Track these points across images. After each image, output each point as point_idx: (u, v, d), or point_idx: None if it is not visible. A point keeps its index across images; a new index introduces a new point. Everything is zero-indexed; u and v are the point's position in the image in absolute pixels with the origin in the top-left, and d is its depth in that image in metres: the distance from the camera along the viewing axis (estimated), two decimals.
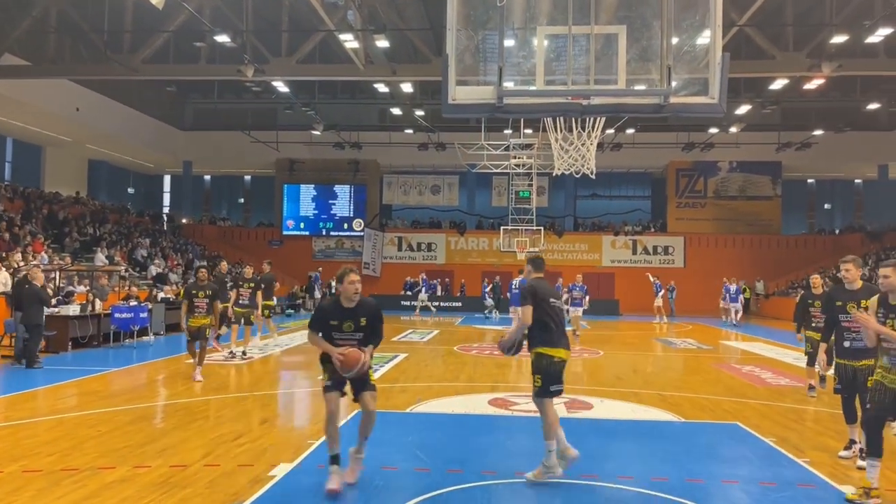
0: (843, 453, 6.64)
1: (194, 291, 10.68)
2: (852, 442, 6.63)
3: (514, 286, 16.90)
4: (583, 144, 8.57)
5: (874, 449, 5.37)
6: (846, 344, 6.35)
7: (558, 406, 9.14)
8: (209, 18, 20.97)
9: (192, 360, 10.82)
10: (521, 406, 9.08)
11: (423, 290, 28.95)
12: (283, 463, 6.13)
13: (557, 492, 5.65)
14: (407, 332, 20.05)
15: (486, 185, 37.54)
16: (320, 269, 30.34)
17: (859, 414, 6.34)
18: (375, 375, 11.24)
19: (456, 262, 36.50)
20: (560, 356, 5.82)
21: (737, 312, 25.09)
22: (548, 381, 5.79)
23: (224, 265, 16.10)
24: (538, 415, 7.73)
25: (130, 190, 38.86)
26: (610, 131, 30.24)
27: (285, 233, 37.11)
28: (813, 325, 8.94)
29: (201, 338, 10.63)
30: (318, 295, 28.83)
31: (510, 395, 9.89)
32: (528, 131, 27.29)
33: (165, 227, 34.23)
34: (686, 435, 7.84)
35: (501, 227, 30.41)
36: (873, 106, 31.36)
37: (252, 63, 20.62)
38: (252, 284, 13.36)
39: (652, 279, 26.27)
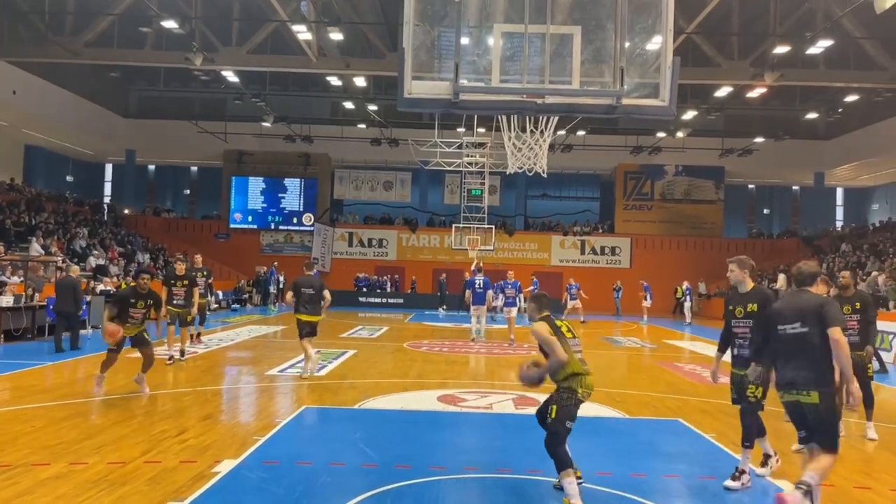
0: (760, 470, 6.05)
1: (133, 300, 8.92)
2: (767, 456, 6.09)
3: (477, 285, 16.94)
4: (536, 143, 8.67)
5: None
6: (735, 351, 5.94)
7: (505, 402, 9.23)
8: (156, 3, 20.36)
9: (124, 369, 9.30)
10: (470, 402, 9.13)
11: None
12: (227, 459, 6.00)
13: (504, 486, 5.70)
14: (357, 329, 19.93)
15: (438, 183, 37.57)
16: (276, 263, 29.79)
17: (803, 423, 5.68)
18: (321, 372, 11.22)
19: (407, 258, 36.43)
20: (300, 317, 10.48)
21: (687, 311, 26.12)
22: (299, 329, 10.51)
23: (199, 258, 15.20)
24: (488, 411, 8.76)
25: (69, 178, 37.42)
26: (561, 133, 30.66)
27: (232, 226, 36.39)
28: None
29: (141, 344, 8.99)
30: (273, 290, 28.18)
31: (459, 391, 9.92)
32: (482, 130, 27.43)
33: (106, 218, 33.11)
34: (630, 431, 8.00)
35: (453, 225, 30.50)
36: (812, 115, 32.67)
37: (201, 51, 20.15)
38: (186, 281, 12.30)
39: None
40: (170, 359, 11.67)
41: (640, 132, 34.86)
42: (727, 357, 6.15)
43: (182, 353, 12.07)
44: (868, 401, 7.58)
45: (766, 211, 42.23)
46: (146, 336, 9.11)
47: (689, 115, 29.64)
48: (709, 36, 22.65)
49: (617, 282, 30.52)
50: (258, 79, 32.42)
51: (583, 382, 5.47)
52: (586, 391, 5.47)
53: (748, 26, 24.47)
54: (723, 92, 25.93)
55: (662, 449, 7.15)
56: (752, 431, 5.79)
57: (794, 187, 40.77)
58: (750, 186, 41.44)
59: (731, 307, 5.92)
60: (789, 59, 21.80)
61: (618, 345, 18.12)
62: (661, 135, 34.00)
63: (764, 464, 6.09)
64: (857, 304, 7.70)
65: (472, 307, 17.25)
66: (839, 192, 40.95)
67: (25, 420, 7.24)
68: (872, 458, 7.02)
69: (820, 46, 20.13)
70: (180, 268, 12.48)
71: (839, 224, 38.95)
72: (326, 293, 10.63)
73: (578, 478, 5.28)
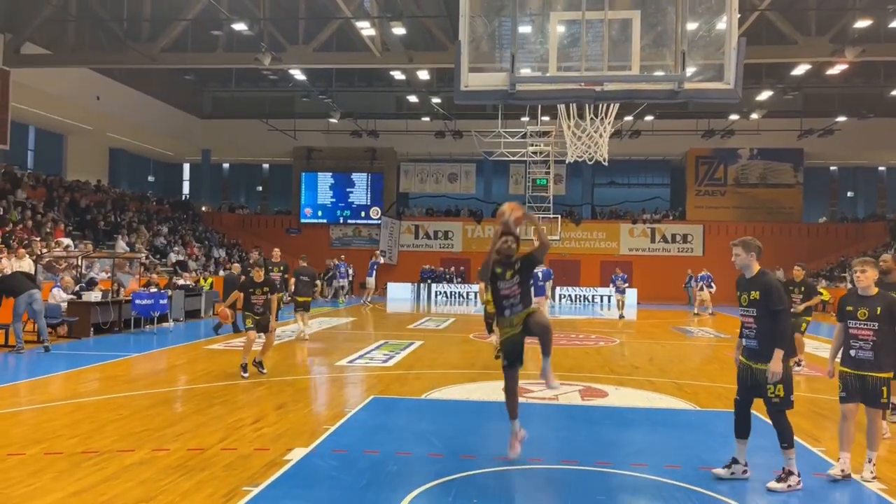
0: (720, 471, 5.63)
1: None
2: (734, 461, 5.61)
3: (538, 277, 16.86)
4: (595, 131, 8.54)
5: None
6: (743, 341, 5.61)
7: (572, 394, 9.15)
8: (226, 6, 21.01)
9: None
10: (536, 393, 9.10)
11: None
12: (299, 447, 6.20)
13: (571, 478, 5.68)
14: (423, 320, 20.13)
15: (502, 173, 37.41)
16: (342, 256, 30.38)
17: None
18: (389, 363, 11.41)
19: (473, 250, 36.45)
20: (297, 298, 14.52)
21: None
22: (295, 306, 14.67)
23: (277, 252, 15.00)
24: (553, 402, 8.78)
25: (151, 178, 39.23)
26: (628, 118, 29.98)
27: (303, 221, 37.30)
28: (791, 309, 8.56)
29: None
30: (343, 283, 28.48)
31: (525, 382, 9.88)
32: (546, 119, 27.12)
33: (188, 215, 34.47)
34: (701, 423, 7.81)
35: None
36: None
37: (269, 51, 20.68)
38: (266, 288, 10.40)
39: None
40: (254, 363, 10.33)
41: (711, 115, 33.68)
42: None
43: (260, 364, 10.35)
44: None
45: (849, 194, 40.12)
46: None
47: (765, 95, 28.44)
48: (784, 12, 21.61)
49: (689, 271, 29.80)
50: (324, 76, 33.02)
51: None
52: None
53: (826, 0, 23.24)
54: (800, 70, 24.75)
55: (735, 442, 6.94)
56: (789, 431, 5.40)
57: (881, 168, 38.55)
58: (832, 168, 39.43)
59: (737, 293, 5.63)
60: (871, 33, 20.62)
61: (690, 335, 17.66)
62: (734, 117, 32.77)
63: (728, 465, 5.64)
64: None
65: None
66: None
67: (112, 409, 7.67)
68: None
69: None
70: (258, 274, 10.47)
71: None
72: (317, 281, 13.27)
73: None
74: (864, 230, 35.00)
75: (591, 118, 8.04)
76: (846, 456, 5.66)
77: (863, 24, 19.43)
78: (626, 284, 23.33)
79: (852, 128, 32.56)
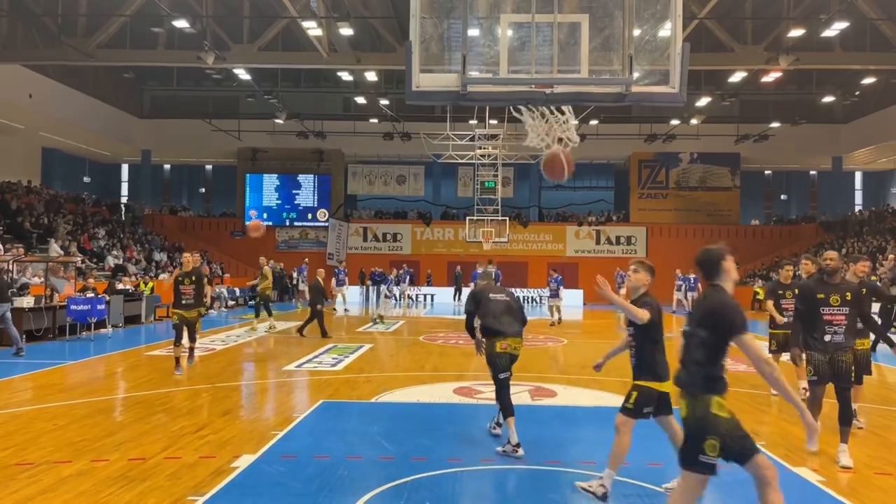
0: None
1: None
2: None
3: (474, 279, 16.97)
4: (566, 121, 8.86)
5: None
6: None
7: (522, 394, 9.22)
8: (167, 3, 20.46)
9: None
10: (486, 394, 9.13)
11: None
12: (246, 454, 6.06)
13: (521, 477, 5.71)
14: (371, 324, 20.00)
15: (451, 176, 37.53)
16: (306, 259, 29.96)
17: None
18: (338, 367, 11.27)
19: (422, 252, 36.47)
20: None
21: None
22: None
23: (188, 257, 11.99)
24: None
25: (86, 179, 37.80)
26: (574, 122, 30.46)
27: (248, 223, 36.56)
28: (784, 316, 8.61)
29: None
30: (302, 287, 28.04)
31: (476, 383, 9.94)
32: (494, 122, 27.35)
33: (124, 218, 33.40)
34: (648, 420, 7.94)
35: (467, 218, 30.47)
36: (828, 99, 32.22)
37: (212, 50, 20.23)
38: (195, 278, 10.68)
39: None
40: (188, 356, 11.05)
41: (653, 120, 34.58)
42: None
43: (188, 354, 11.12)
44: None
45: (783, 197, 41.78)
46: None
47: (703, 101, 29.34)
48: (722, 21, 22.38)
49: (617, 269, 30.58)
50: (270, 76, 32.53)
51: None
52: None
53: (762, 10, 24.14)
54: (737, 77, 25.63)
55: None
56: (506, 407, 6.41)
57: (812, 172, 40.28)
58: (766, 172, 40.99)
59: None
60: (804, 42, 21.50)
61: None
62: (675, 122, 33.70)
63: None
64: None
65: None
66: (858, 176, 40.40)
67: (48, 419, 7.35)
68: (893, 444, 6.95)
69: (835, 29, 19.82)
70: (187, 262, 10.79)
71: (858, 208, 38.45)
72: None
73: None
74: (798, 231, 36.49)
75: (551, 111, 8.21)
76: (607, 473, 5.14)
77: (796, 33, 20.24)
78: (560, 287, 20.30)
79: (786, 133, 33.92)
